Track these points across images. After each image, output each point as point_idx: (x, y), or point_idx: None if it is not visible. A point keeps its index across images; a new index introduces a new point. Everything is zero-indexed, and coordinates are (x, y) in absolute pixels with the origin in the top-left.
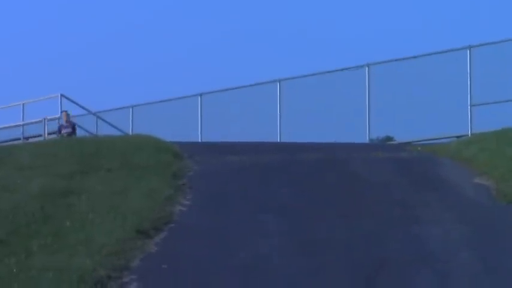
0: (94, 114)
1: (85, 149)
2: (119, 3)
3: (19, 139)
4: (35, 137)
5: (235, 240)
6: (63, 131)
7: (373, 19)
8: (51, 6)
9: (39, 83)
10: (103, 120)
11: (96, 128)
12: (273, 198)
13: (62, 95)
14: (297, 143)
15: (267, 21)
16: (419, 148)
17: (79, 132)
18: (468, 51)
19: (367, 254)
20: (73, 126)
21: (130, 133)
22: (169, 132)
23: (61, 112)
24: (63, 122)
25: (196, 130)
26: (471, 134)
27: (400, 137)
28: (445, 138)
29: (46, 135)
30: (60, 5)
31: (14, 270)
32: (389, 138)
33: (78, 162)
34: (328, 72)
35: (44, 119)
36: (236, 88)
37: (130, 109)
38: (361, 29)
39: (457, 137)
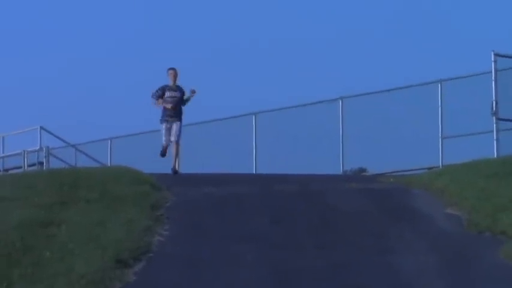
0: (73, 146)
1: (64, 180)
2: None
3: None
4: (14, 168)
5: (212, 270)
6: (167, 95)
7: (348, 53)
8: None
9: (18, 115)
10: (82, 152)
11: (75, 160)
12: (249, 228)
13: (41, 128)
14: (272, 175)
15: (242, 51)
16: (391, 179)
17: (57, 164)
18: (439, 84)
19: (343, 283)
20: (183, 92)
21: (109, 165)
22: (147, 163)
23: (168, 69)
24: (169, 82)
25: None
26: (442, 166)
27: (373, 169)
28: (417, 169)
29: (26, 167)
30: (39, 36)
31: None
32: (362, 170)
33: (57, 193)
34: (303, 105)
35: (24, 151)
36: (212, 121)
37: (109, 141)
38: (336, 62)
39: (429, 168)
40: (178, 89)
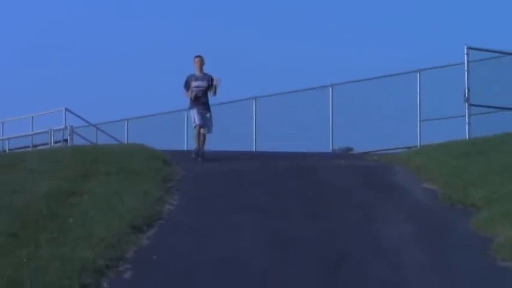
0: (94, 125)
1: (86, 155)
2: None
3: (29, 147)
4: (42, 145)
5: (215, 236)
6: (193, 85)
7: (337, 45)
8: (57, 30)
9: (45, 97)
10: (102, 131)
11: (96, 138)
12: (248, 199)
13: (66, 109)
14: (269, 152)
15: (243, 44)
16: (375, 157)
17: (80, 141)
18: (418, 74)
19: (330, 248)
20: (210, 80)
21: (126, 142)
22: (160, 141)
23: (194, 57)
24: (195, 70)
25: (183, 141)
26: (420, 145)
27: (359, 148)
28: (398, 148)
29: (52, 143)
30: (65, 27)
31: (25, 260)
32: (349, 149)
33: (80, 167)
34: (298, 91)
35: (50, 130)
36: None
37: (126, 121)
38: (327, 53)
39: (408, 147)
40: (205, 77)
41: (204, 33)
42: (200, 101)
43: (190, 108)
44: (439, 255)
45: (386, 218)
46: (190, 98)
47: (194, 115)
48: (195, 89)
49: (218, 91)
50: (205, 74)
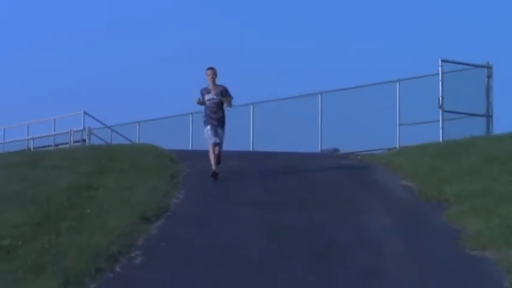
0: (109, 127)
1: (102, 154)
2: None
3: (51, 146)
4: (62, 144)
5: (217, 225)
6: (207, 97)
7: (327, 56)
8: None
9: (66, 102)
10: (116, 132)
11: (111, 138)
12: (247, 194)
13: (84, 112)
14: (265, 152)
15: (240, 49)
16: (359, 157)
17: (96, 141)
18: (397, 83)
19: (320, 237)
20: (224, 92)
21: (137, 142)
22: (168, 142)
23: (207, 69)
24: (208, 85)
25: (188, 141)
26: (399, 147)
27: (344, 148)
28: (379, 149)
29: (72, 143)
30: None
31: (47, 246)
32: (336, 149)
33: (96, 164)
34: (291, 98)
35: (70, 131)
36: None
37: (138, 124)
38: (317, 63)
39: (388, 149)
40: (218, 89)
41: (211, 44)
42: (214, 116)
43: (205, 123)
44: (415, 244)
45: (368, 211)
46: (205, 113)
47: (208, 131)
48: (208, 102)
49: (231, 103)
50: (218, 86)
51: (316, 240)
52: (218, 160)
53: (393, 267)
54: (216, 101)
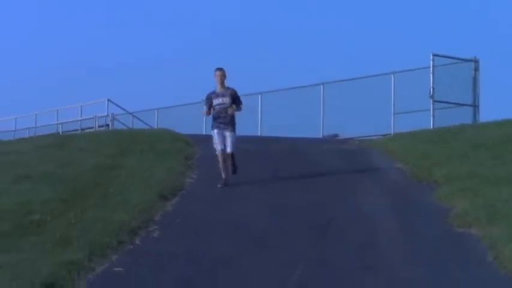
0: (131, 113)
1: (124, 137)
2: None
3: (78, 130)
4: (88, 128)
5: (227, 203)
6: (215, 103)
7: (329, 49)
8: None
9: (92, 89)
10: (137, 118)
11: (132, 123)
12: (253, 174)
13: (108, 100)
14: (271, 137)
15: (247, 39)
16: (357, 142)
17: (119, 126)
18: (392, 75)
19: (319, 215)
20: (234, 95)
21: (156, 127)
22: (183, 127)
23: (215, 70)
24: (217, 89)
25: (202, 127)
26: (393, 134)
27: (343, 134)
28: (375, 135)
29: (97, 127)
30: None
31: (73, 221)
32: (336, 135)
33: (118, 147)
34: (295, 88)
35: (95, 117)
36: None
37: (156, 111)
38: (318, 54)
39: (384, 135)
40: (228, 92)
41: (221, 39)
42: (222, 120)
43: (212, 126)
44: (407, 221)
45: (365, 191)
46: (212, 116)
47: (214, 136)
48: (218, 107)
49: (241, 108)
50: (227, 89)
51: (316, 218)
52: (233, 169)
53: (387, 242)
54: (226, 106)
